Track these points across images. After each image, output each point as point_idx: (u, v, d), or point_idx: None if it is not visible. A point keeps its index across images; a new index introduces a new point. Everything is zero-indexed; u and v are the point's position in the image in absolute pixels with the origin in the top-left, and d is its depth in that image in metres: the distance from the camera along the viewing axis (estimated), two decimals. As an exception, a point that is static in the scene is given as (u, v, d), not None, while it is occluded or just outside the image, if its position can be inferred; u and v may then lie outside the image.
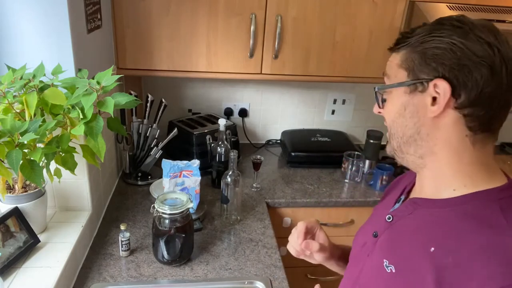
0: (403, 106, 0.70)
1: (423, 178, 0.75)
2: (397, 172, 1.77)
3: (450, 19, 0.66)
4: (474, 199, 0.66)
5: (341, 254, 0.98)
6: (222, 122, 1.66)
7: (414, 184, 0.81)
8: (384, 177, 1.76)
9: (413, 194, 0.79)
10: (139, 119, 1.69)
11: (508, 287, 0.55)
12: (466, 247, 0.62)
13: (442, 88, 0.64)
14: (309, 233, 0.93)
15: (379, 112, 0.77)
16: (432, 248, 0.65)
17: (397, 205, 0.81)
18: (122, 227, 1.22)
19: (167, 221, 1.19)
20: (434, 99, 0.65)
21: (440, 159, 0.70)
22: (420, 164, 0.72)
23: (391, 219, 0.77)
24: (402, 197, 0.82)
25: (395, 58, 0.71)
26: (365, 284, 0.78)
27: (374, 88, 0.75)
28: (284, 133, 2.14)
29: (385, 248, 0.75)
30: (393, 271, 0.70)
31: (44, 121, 0.99)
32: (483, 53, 0.61)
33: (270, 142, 2.21)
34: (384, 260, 0.72)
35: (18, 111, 1.01)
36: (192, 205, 1.21)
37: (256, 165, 1.72)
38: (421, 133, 0.69)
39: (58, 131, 1.03)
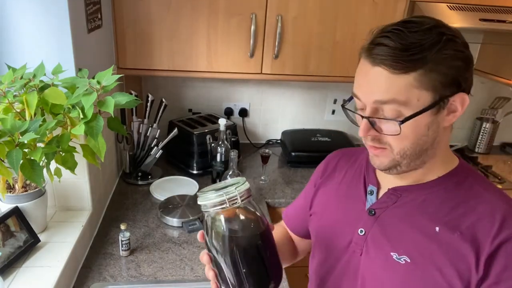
0: (427, 127, 0.67)
1: (409, 171, 0.74)
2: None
3: (439, 27, 0.64)
4: (455, 175, 0.74)
5: (291, 249, 1.05)
6: (222, 122, 1.66)
7: (374, 172, 0.82)
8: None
9: (387, 184, 0.78)
10: (139, 119, 1.69)
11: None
12: (470, 215, 0.68)
13: (462, 100, 0.66)
14: None
15: (375, 137, 0.70)
16: (437, 228, 0.69)
17: (372, 197, 0.80)
18: (122, 227, 1.22)
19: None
20: (451, 110, 0.67)
21: (437, 158, 0.73)
22: (417, 167, 0.72)
23: (374, 213, 0.77)
24: (374, 189, 0.80)
25: (406, 79, 0.62)
26: (374, 281, 0.76)
27: (397, 120, 0.64)
28: (284, 133, 2.14)
29: (385, 242, 0.74)
30: (408, 261, 0.71)
31: (44, 120, 0.99)
32: (471, 56, 0.66)
33: (270, 142, 2.21)
34: (392, 253, 0.72)
35: (18, 110, 1.01)
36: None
37: (264, 159, 1.76)
38: (434, 142, 0.70)
39: (58, 131, 1.03)
